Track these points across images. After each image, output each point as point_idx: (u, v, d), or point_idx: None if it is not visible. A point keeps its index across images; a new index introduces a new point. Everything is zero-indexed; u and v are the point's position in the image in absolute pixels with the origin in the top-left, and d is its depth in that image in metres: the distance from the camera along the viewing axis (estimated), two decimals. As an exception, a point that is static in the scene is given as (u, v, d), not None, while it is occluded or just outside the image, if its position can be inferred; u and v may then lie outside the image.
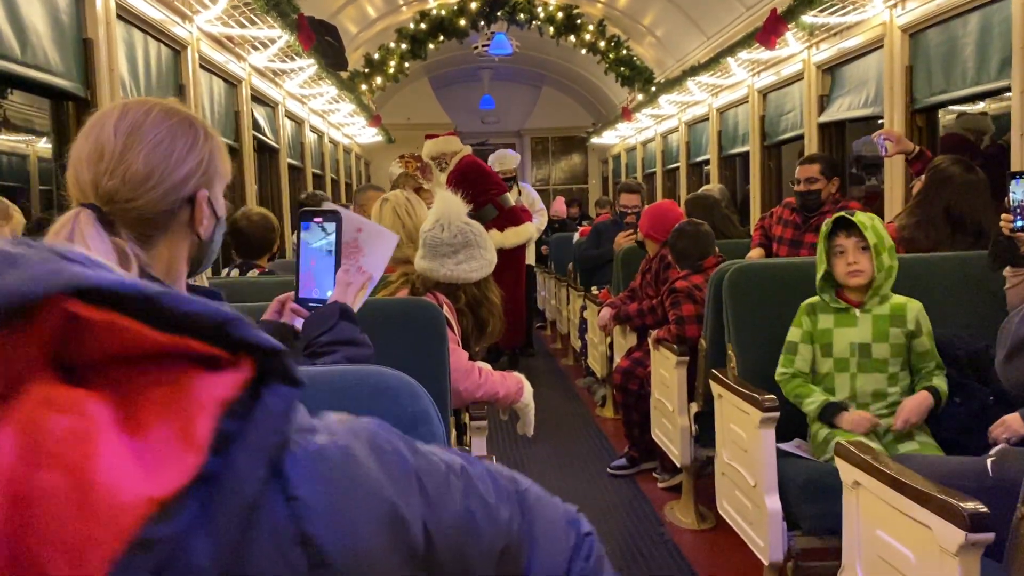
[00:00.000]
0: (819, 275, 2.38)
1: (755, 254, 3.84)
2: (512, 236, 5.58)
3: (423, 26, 7.53)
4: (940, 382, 2.31)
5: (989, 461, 1.83)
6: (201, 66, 4.07)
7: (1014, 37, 3.01)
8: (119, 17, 3.20)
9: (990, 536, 1.40)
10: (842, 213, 2.36)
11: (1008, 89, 3.12)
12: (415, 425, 0.93)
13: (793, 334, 2.43)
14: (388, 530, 0.49)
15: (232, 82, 4.66)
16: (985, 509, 1.42)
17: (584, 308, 5.64)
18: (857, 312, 2.36)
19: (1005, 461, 1.82)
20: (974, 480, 1.79)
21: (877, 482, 1.67)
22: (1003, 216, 2.28)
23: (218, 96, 4.46)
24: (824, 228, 2.37)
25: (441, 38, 7.66)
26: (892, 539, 1.64)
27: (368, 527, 0.48)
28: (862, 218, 2.31)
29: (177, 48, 3.83)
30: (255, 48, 4.68)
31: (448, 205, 2.30)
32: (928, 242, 2.92)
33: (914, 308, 2.36)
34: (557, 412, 5.23)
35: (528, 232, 5.91)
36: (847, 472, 1.81)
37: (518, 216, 5.81)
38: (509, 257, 5.46)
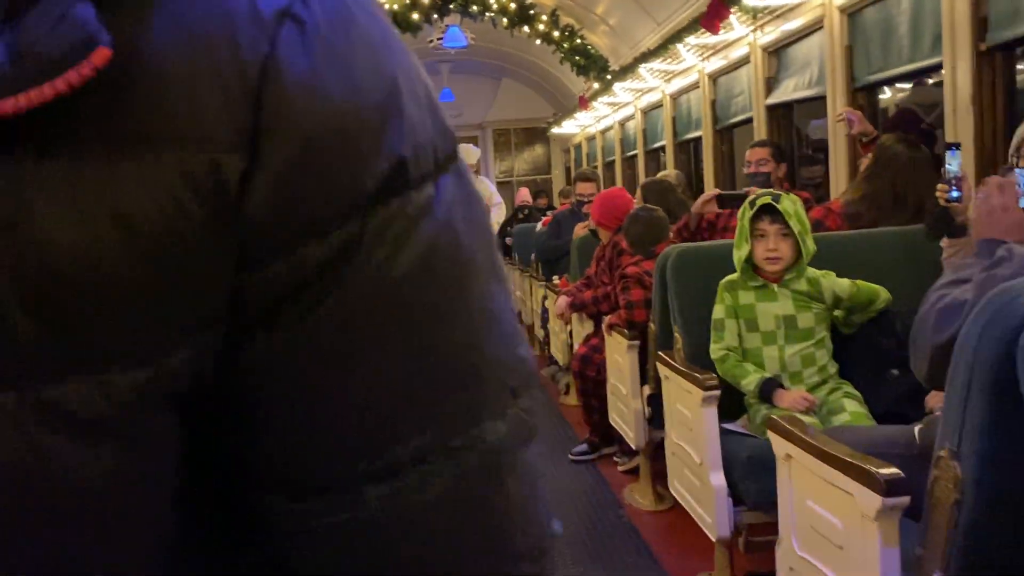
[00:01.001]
0: (741, 255, 2.44)
1: None
2: None
3: (376, 21, 7.49)
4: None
5: (916, 429, 1.88)
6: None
7: (943, 14, 3.07)
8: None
9: (905, 500, 1.45)
10: (767, 199, 2.41)
11: (941, 65, 3.18)
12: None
13: (717, 311, 2.50)
14: None
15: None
16: (900, 474, 1.46)
17: (545, 298, 5.67)
18: (776, 287, 2.43)
19: (932, 429, 1.87)
20: (903, 447, 1.84)
21: (806, 453, 1.72)
22: (939, 187, 2.33)
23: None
24: (748, 210, 2.43)
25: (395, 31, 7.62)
26: (821, 508, 1.68)
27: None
28: (787, 205, 2.37)
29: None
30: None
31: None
32: (870, 217, 2.98)
33: (828, 281, 2.45)
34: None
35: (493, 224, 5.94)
36: (779, 445, 1.85)
37: None
38: None
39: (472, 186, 0.39)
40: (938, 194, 2.32)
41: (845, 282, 2.45)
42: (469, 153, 6.85)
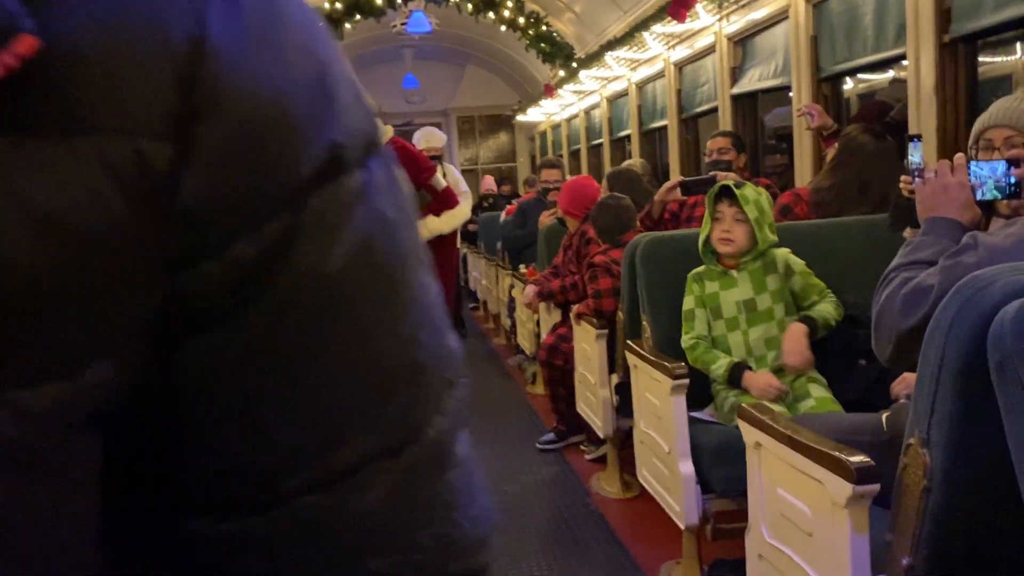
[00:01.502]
0: (701, 238, 2.49)
1: None
2: (449, 220, 5.46)
3: (339, 5, 7.39)
4: (823, 307, 2.42)
5: (884, 416, 1.91)
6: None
7: (907, 5, 3.10)
8: None
9: (875, 487, 1.46)
10: (728, 182, 2.43)
11: (905, 56, 3.22)
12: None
13: (687, 302, 2.53)
14: None
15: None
16: (871, 462, 1.47)
17: (512, 287, 5.66)
18: (735, 272, 2.47)
19: (899, 416, 1.90)
20: (870, 435, 1.86)
21: (775, 442, 1.73)
22: (902, 178, 2.36)
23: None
24: (710, 193, 2.46)
25: (358, 17, 7.53)
26: (790, 496, 1.69)
27: None
28: (746, 192, 2.40)
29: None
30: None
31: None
32: (835, 207, 3.01)
33: (780, 254, 2.49)
34: (488, 391, 5.25)
35: (464, 214, 5.85)
36: (749, 433, 1.86)
37: (452, 198, 5.74)
38: (444, 242, 5.41)
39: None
40: (901, 185, 2.34)
41: (799, 263, 2.48)
42: (434, 136, 6.75)
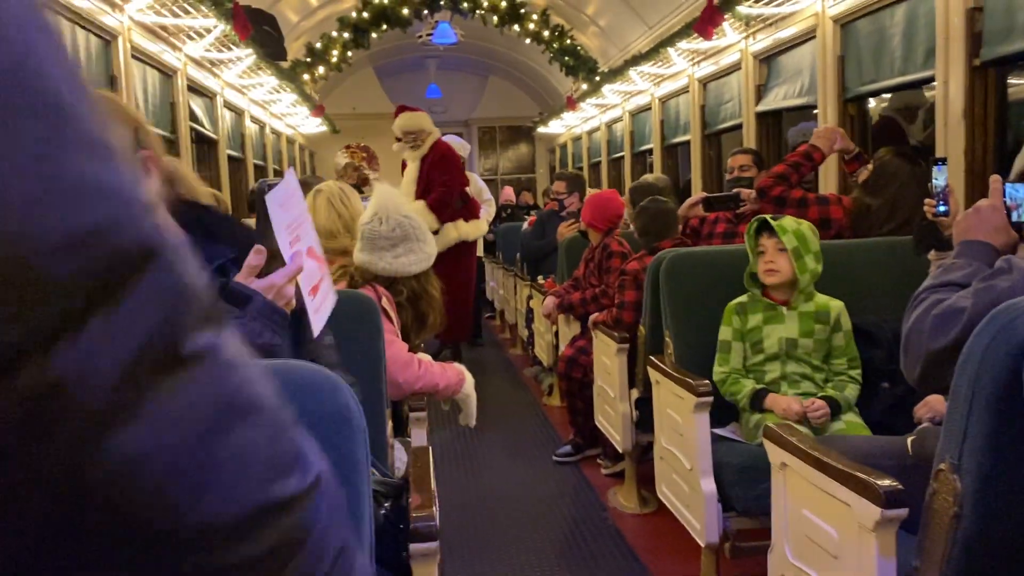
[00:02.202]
0: (748, 271, 2.48)
1: None
2: (475, 228, 5.59)
3: (365, 15, 7.45)
4: (850, 391, 2.40)
5: (909, 440, 1.90)
6: (133, 56, 3.98)
7: (937, 28, 3.11)
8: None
9: (904, 512, 1.46)
10: (765, 216, 2.43)
11: (933, 79, 3.22)
12: (333, 420, 0.94)
13: (724, 333, 2.51)
14: None
15: (167, 72, 4.55)
16: (900, 486, 1.47)
17: (530, 297, 5.67)
18: (784, 310, 2.44)
19: (924, 440, 1.89)
20: (895, 459, 1.86)
21: (802, 463, 1.73)
22: (926, 201, 2.35)
23: (152, 87, 4.36)
24: (750, 227, 2.45)
25: (384, 27, 7.59)
26: (816, 517, 1.69)
27: None
28: (784, 223, 2.40)
29: (107, 38, 3.73)
30: (190, 38, 4.59)
31: (386, 198, 2.30)
32: (863, 228, 3.01)
33: (836, 307, 2.48)
34: (504, 401, 5.26)
35: (485, 224, 6.03)
36: (775, 454, 1.86)
37: (477, 208, 5.82)
38: (465, 250, 5.46)
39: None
40: (925, 208, 2.34)
41: (847, 326, 2.47)
42: (460, 147, 6.80)
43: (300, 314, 1.29)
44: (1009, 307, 1.30)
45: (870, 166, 3.06)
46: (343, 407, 0.94)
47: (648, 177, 5.90)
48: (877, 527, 1.47)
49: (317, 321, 1.30)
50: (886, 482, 1.47)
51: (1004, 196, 1.70)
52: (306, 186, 5.07)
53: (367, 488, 0.97)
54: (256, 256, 1.25)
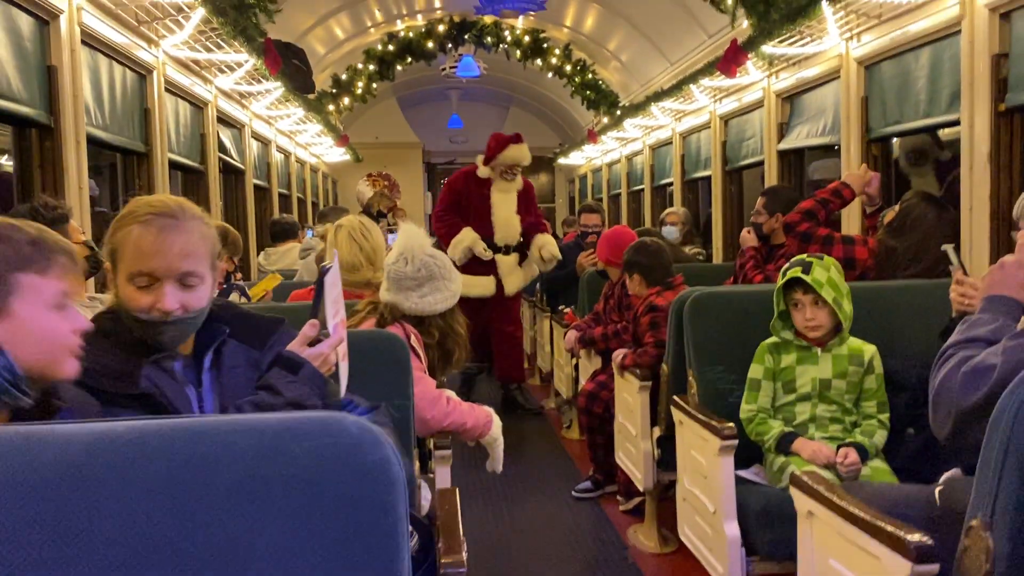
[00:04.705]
0: (775, 318, 2.46)
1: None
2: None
3: (391, 48, 7.58)
4: (879, 437, 2.38)
5: (937, 490, 1.89)
6: (167, 89, 4.07)
7: (963, 72, 3.12)
8: (84, 43, 3.19)
9: (935, 568, 1.45)
10: (797, 272, 2.39)
11: (958, 122, 3.23)
12: (374, 472, 0.95)
13: (755, 371, 2.49)
14: None
15: (198, 105, 4.65)
16: (930, 541, 1.47)
17: (552, 329, 5.68)
18: (819, 351, 2.43)
19: (953, 490, 1.88)
20: (923, 509, 1.85)
21: (830, 512, 1.72)
22: (953, 294, 2.20)
23: (184, 118, 4.45)
24: (780, 279, 2.44)
25: (409, 60, 7.71)
26: (844, 567, 1.69)
27: None
28: (817, 276, 2.37)
29: (143, 72, 3.82)
30: (221, 71, 4.68)
31: (411, 238, 2.33)
32: (887, 270, 3.01)
33: (869, 351, 2.47)
34: (523, 433, 5.25)
35: None
36: (802, 502, 1.85)
37: None
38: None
39: None
40: (953, 296, 2.20)
41: (879, 370, 2.46)
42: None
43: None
44: (1041, 365, 1.30)
45: (896, 207, 3.07)
46: (383, 459, 0.96)
47: (668, 210, 5.93)
48: (907, 582, 1.46)
49: (344, 382, 1.54)
50: (917, 537, 1.47)
51: None
52: (326, 217, 5.13)
53: (406, 541, 0.99)
54: (311, 328, 1.48)
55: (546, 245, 5.28)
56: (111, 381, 1.38)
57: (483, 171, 5.28)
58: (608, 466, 3.92)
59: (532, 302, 6.86)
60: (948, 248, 2.20)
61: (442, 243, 5.21)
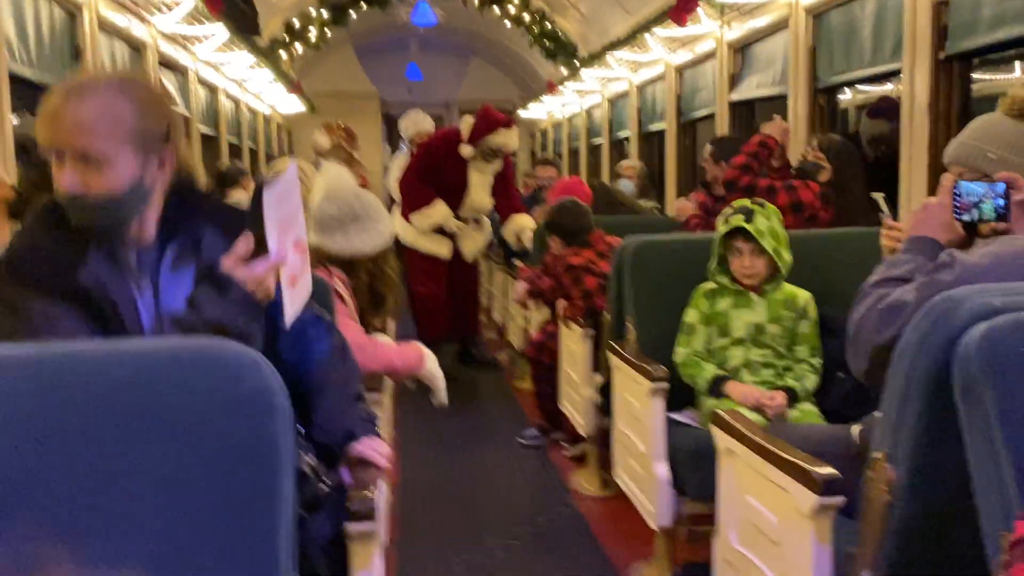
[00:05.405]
0: (713, 263, 2.47)
1: None
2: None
3: (344, -7, 7.38)
4: (809, 381, 2.42)
5: (856, 429, 1.92)
6: (100, 29, 3.92)
7: (905, 21, 3.12)
8: (4, -24, 3.05)
9: (839, 499, 1.48)
10: (740, 222, 2.39)
11: (900, 71, 3.23)
12: (255, 400, 0.93)
13: (690, 315, 2.50)
14: None
15: (136, 46, 4.49)
16: (837, 474, 1.49)
17: (506, 283, 5.67)
18: (754, 296, 2.45)
19: (871, 430, 1.92)
20: (842, 447, 1.88)
21: (747, 450, 1.74)
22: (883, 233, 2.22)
23: (121, 61, 4.29)
24: (722, 226, 2.43)
25: (363, 6, 7.52)
26: (759, 503, 1.71)
27: None
28: (759, 226, 2.37)
29: (72, 10, 3.67)
30: (159, 10, 4.52)
31: (334, 178, 2.29)
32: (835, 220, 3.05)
33: (804, 297, 2.49)
34: (476, 384, 5.27)
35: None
36: (721, 440, 1.88)
37: None
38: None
39: None
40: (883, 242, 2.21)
41: (813, 316, 2.48)
42: (423, 120, 6.56)
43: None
44: (944, 299, 1.32)
45: (826, 164, 3.09)
46: (264, 387, 0.94)
47: (625, 162, 5.91)
48: (814, 513, 1.49)
49: (291, 312, 1.34)
50: (824, 470, 1.49)
51: (957, 194, 1.69)
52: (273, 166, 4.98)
53: (289, 470, 0.97)
54: (244, 242, 1.28)
55: (524, 231, 5.06)
56: (48, 269, 1.26)
57: (466, 150, 4.97)
58: (555, 414, 3.95)
59: (488, 255, 6.82)
60: (878, 196, 2.23)
61: (405, 210, 5.07)
